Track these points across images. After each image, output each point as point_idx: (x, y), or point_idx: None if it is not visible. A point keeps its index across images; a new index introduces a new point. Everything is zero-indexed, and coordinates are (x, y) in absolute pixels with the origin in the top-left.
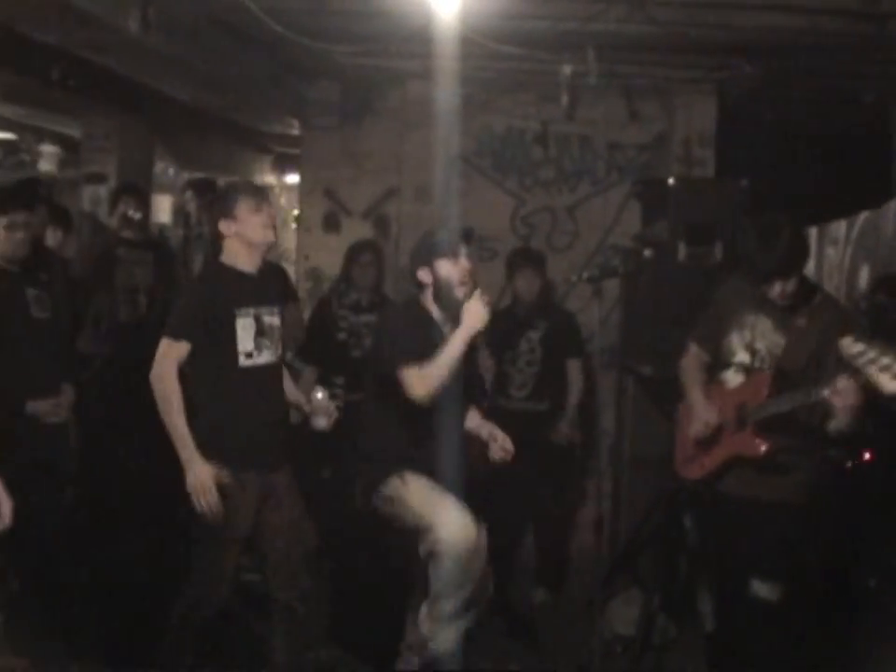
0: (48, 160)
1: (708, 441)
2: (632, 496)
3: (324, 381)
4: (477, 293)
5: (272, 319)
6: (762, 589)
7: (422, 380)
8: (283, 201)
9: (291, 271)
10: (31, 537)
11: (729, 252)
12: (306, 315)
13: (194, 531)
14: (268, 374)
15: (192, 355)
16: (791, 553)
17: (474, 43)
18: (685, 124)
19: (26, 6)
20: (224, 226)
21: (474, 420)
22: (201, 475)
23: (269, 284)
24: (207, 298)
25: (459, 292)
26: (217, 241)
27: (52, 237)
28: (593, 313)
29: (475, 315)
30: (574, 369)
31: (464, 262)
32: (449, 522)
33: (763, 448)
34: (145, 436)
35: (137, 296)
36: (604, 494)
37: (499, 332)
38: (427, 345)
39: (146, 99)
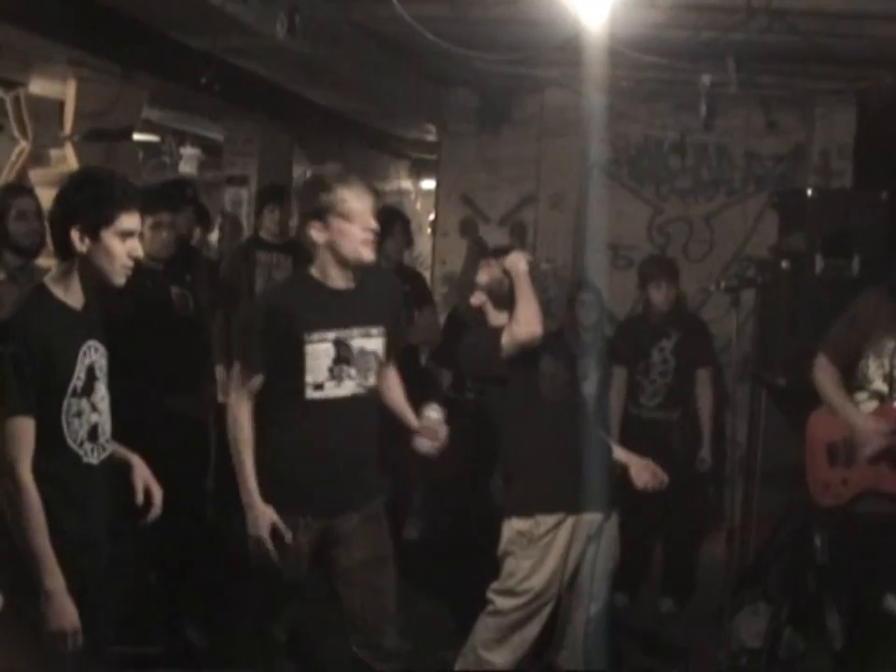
0: (188, 162)
1: (843, 471)
2: (762, 508)
3: (457, 384)
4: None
5: (365, 343)
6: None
7: (518, 324)
8: (419, 206)
9: (426, 275)
10: (169, 531)
11: (867, 265)
12: (442, 319)
13: (245, 571)
14: (348, 407)
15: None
16: None
17: (615, 52)
18: (824, 135)
19: (178, 12)
20: (315, 231)
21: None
22: (258, 521)
23: (371, 299)
24: (269, 319)
25: (507, 282)
26: (306, 245)
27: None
28: (729, 323)
29: (515, 260)
30: (703, 378)
31: (493, 260)
32: (534, 578)
33: None
34: None
35: None
36: (734, 505)
37: (632, 342)
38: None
39: (286, 103)
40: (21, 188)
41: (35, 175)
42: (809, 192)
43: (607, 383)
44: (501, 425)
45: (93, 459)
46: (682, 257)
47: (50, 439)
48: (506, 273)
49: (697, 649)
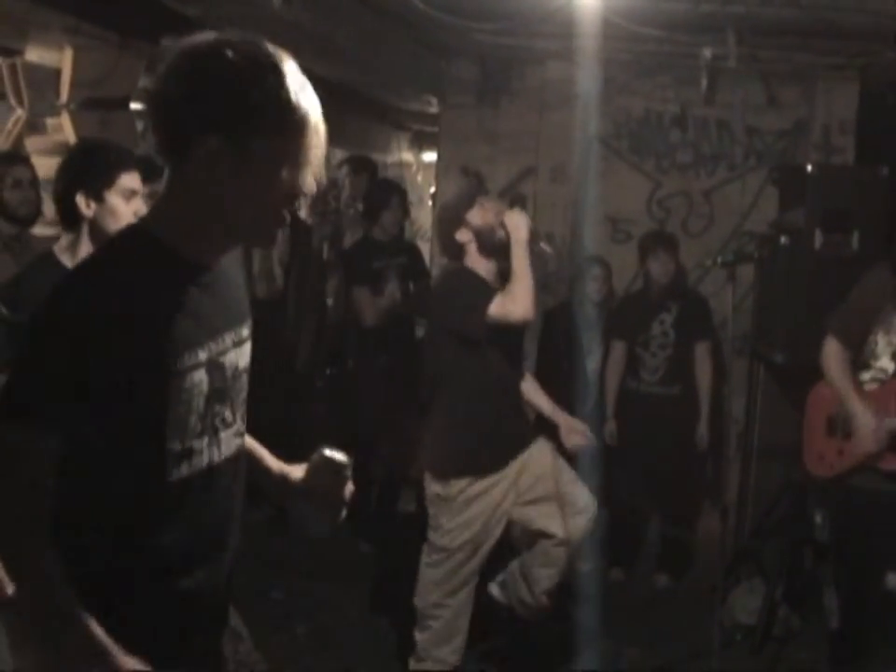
0: None
1: (839, 442)
2: (759, 484)
3: None
4: (514, 211)
5: (238, 356)
6: None
7: (512, 300)
8: (420, 178)
9: (426, 248)
10: None
11: (866, 241)
12: None
13: None
14: (224, 478)
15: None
16: None
17: (615, 25)
18: (825, 111)
19: None
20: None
21: (542, 401)
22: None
23: (234, 277)
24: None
25: (501, 233)
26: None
27: None
28: (726, 298)
29: (517, 224)
30: (702, 353)
31: (490, 203)
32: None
33: None
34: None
35: (273, 272)
36: (731, 481)
37: (632, 316)
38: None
39: None
40: (17, 156)
41: (31, 143)
42: (809, 168)
43: (606, 357)
44: (447, 380)
45: None
46: (682, 231)
47: None
48: (503, 227)
49: (692, 625)
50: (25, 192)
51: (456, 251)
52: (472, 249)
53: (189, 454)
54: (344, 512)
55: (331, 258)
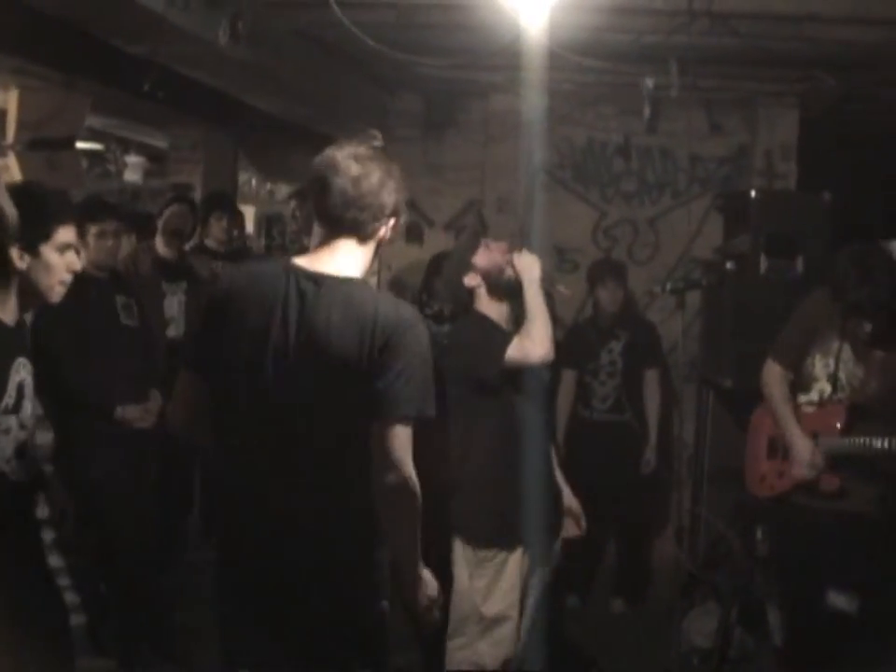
0: (132, 170)
1: (780, 464)
2: (711, 507)
3: None
4: (523, 252)
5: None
6: (838, 600)
7: (531, 341)
8: None
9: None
10: (117, 540)
11: (811, 266)
12: None
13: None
14: None
15: None
16: (868, 564)
17: (558, 56)
18: (767, 137)
19: (120, 20)
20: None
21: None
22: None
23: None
24: None
25: (510, 272)
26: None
27: (127, 243)
28: (675, 325)
29: (529, 265)
30: (651, 380)
31: (494, 244)
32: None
33: (835, 485)
34: None
35: None
36: (683, 505)
37: (581, 344)
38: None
39: (230, 110)
40: None
41: None
42: (753, 194)
43: (555, 387)
44: (467, 435)
45: (22, 477)
46: (628, 259)
47: None
48: (511, 268)
49: (649, 649)
50: None
51: (466, 297)
52: (482, 293)
53: None
54: None
55: None
